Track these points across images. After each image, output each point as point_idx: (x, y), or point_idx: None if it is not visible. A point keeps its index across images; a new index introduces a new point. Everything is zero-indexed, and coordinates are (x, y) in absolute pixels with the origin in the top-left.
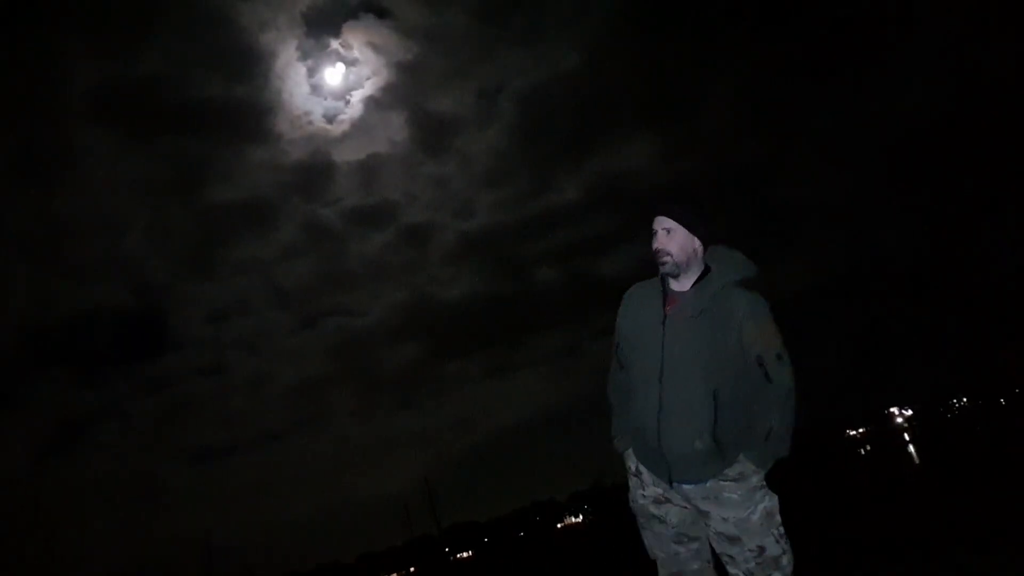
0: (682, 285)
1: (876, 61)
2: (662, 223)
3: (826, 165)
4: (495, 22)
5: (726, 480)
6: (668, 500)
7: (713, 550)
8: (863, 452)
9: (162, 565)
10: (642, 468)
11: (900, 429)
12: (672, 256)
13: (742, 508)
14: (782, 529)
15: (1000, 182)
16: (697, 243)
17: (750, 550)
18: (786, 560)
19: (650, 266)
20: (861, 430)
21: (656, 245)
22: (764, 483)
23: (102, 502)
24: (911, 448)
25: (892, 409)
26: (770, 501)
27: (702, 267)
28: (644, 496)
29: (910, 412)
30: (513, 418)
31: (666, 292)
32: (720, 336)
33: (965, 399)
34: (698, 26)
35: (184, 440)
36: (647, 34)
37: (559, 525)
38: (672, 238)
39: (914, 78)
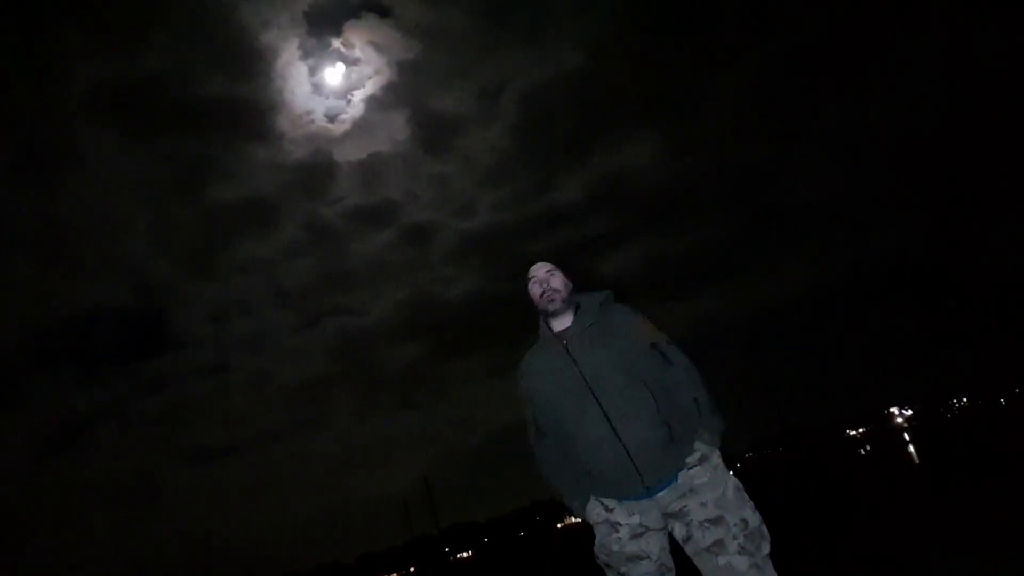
0: (565, 322)
1: (877, 62)
2: (543, 267)
3: (827, 165)
4: (497, 21)
5: (692, 468)
6: (646, 528)
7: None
8: (863, 452)
9: (162, 565)
10: (611, 504)
11: (900, 429)
12: (559, 292)
13: (715, 488)
14: (753, 503)
15: (1001, 182)
16: (570, 284)
17: (735, 525)
18: (766, 530)
19: (651, 266)
20: (861, 430)
21: (544, 287)
22: (723, 464)
23: (103, 502)
24: (911, 448)
25: (892, 409)
26: (735, 479)
27: (575, 305)
28: (620, 539)
29: (910, 412)
30: (514, 417)
31: (553, 333)
32: (617, 336)
33: (965, 399)
34: (700, 26)
35: (185, 440)
36: (649, 34)
37: (559, 525)
38: (555, 277)
39: (915, 78)
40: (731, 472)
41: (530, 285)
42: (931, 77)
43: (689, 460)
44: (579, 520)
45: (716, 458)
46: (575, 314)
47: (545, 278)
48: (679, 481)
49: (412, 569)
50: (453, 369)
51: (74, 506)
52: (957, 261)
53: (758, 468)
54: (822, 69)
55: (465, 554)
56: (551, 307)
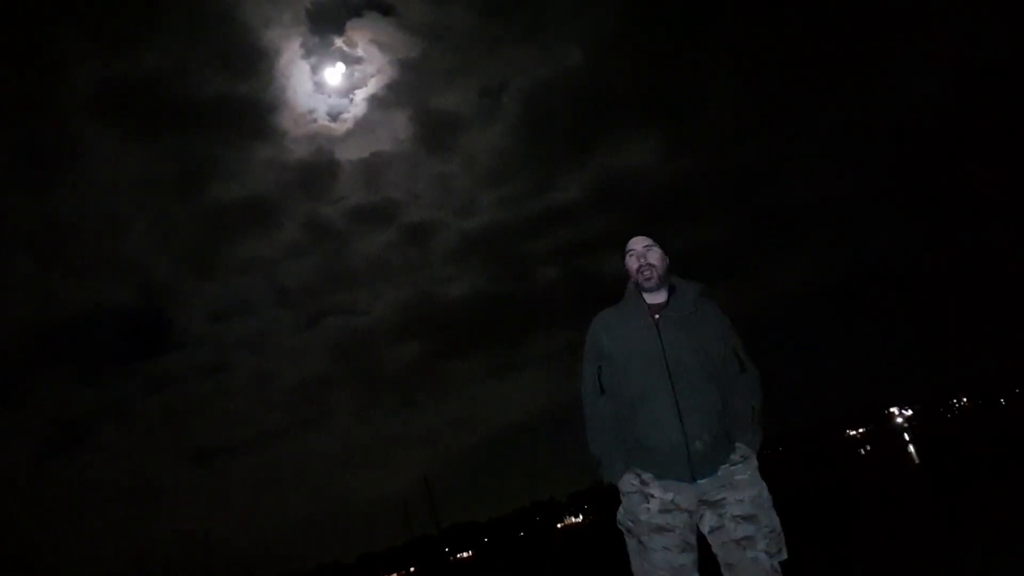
0: (658, 298)
1: (878, 61)
2: (642, 242)
3: (828, 164)
4: (499, 19)
5: (735, 464)
6: (676, 506)
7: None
8: (863, 452)
9: (162, 565)
10: (648, 479)
11: (900, 429)
12: (656, 268)
13: (753, 487)
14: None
15: (1002, 182)
16: (667, 260)
17: (766, 526)
18: (783, 539)
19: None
20: (861, 430)
21: (642, 261)
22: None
23: (103, 501)
24: (911, 448)
25: (892, 409)
26: (765, 484)
27: (669, 287)
28: (649, 510)
29: (910, 412)
30: (514, 417)
31: (648, 305)
32: (706, 331)
33: (965, 399)
34: (702, 24)
35: (185, 439)
36: (651, 32)
37: (559, 525)
38: (652, 253)
39: (917, 78)
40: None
41: (627, 258)
42: (933, 76)
43: (732, 457)
44: (578, 520)
45: (755, 461)
46: (669, 295)
47: (643, 252)
48: (719, 473)
49: (412, 569)
50: (453, 369)
51: (74, 506)
52: (958, 260)
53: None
54: (824, 68)
55: (465, 554)
56: (647, 283)
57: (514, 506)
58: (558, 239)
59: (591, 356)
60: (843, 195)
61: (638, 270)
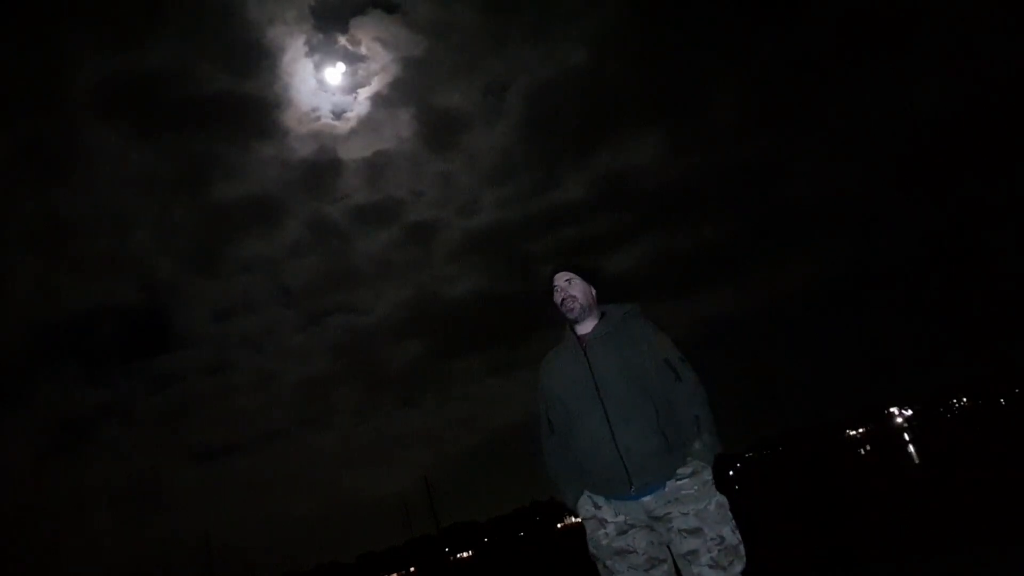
0: (587, 328)
1: (884, 61)
2: (562, 276)
3: (830, 165)
4: (503, 17)
5: (682, 479)
6: (632, 525)
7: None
8: (863, 452)
9: (163, 564)
10: (600, 502)
11: (900, 429)
12: (578, 300)
13: (699, 501)
14: (735, 523)
15: (1005, 182)
16: (593, 290)
17: (712, 539)
18: (743, 550)
19: (656, 264)
20: (861, 430)
21: (562, 295)
22: (713, 482)
23: (105, 500)
24: (911, 448)
25: (892, 409)
26: (721, 496)
27: (599, 313)
28: (607, 534)
29: (910, 412)
30: (514, 417)
31: (576, 336)
32: (633, 347)
33: (965, 399)
34: (706, 23)
35: (188, 438)
36: (655, 31)
37: (559, 525)
38: (574, 286)
39: (922, 78)
40: (719, 491)
41: (553, 293)
42: (936, 78)
43: (680, 471)
44: (578, 520)
45: (706, 475)
46: (599, 321)
47: (564, 286)
48: (666, 489)
49: (412, 569)
50: (455, 368)
51: (76, 504)
52: (958, 261)
53: (758, 468)
54: (828, 68)
55: (465, 554)
56: (570, 314)
57: (514, 506)
58: (561, 238)
59: (539, 399)
60: (845, 195)
61: (562, 303)
